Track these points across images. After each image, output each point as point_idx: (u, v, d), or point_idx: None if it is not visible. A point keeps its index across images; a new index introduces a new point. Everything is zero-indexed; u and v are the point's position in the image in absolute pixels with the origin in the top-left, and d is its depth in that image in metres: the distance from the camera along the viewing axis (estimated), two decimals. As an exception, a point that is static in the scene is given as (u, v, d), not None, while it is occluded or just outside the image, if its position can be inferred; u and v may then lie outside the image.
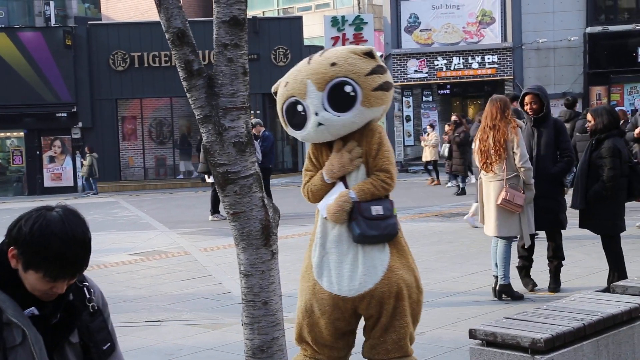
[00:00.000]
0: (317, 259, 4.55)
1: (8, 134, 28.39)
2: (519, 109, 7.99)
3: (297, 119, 4.55)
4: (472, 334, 4.26)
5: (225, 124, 3.38)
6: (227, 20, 3.35)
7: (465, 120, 20.00)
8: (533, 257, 7.47)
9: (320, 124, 4.45)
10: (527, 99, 7.37)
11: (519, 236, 7.28)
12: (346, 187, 4.56)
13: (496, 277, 7.14)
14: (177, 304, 7.59)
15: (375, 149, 4.53)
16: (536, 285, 7.37)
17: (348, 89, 4.43)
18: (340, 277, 4.45)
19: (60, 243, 2.38)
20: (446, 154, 18.48)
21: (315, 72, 4.46)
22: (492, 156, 6.90)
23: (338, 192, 4.55)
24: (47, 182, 27.21)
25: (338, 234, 4.52)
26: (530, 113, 7.34)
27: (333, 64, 4.46)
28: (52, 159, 27.36)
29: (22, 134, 27.58)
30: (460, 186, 17.51)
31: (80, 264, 2.46)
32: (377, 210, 4.48)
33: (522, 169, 6.87)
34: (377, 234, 4.44)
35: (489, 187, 7.04)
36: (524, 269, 7.44)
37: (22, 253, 2.40)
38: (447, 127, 18.87)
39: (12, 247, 2.42)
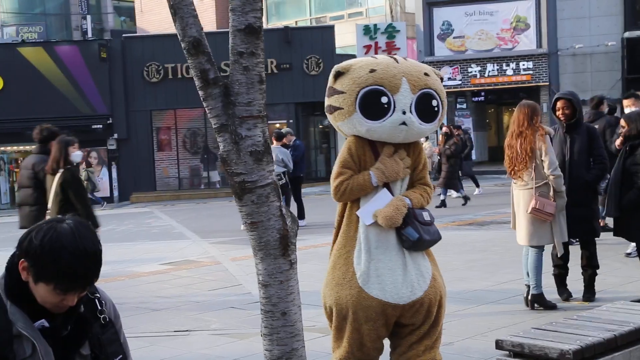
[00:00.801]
0: (363, 266, 4.48)
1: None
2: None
3: (376, 109, 4.43)
4: (499, 345, 4.20)
5: (242, 133, 3.34)
6: (243, 29, 3.32)
7: (461, 131, 19.67)
8: (568, 265, 7.33)
9: (404, 123, 4.42)
10: (558, 104, 7.25)
11: (552, 244, 7.15)
12: (392, 193, 4.54)
13: (528, 286, 7.02)
14: (206, 313, 7.59)
15: (422, 163, 4.63)
16: (571, 295, 7.22)
17: (434, 103, 4.48)
18: (393, 284, 4.42)
19: (71, 256, 2.37)
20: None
21: (410, 74, 4.45)
22: (519, 164, 6.80)
23: (383, 198, 4.51)
24: (84, 193, 27.48)
25: (384, 241, 4.48)
26: (562, 119, 7.22)
27: (426, 74, 4.50)
28: (88, 171, 27.66)
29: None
30: (442, 198, 17.07)
31: (91, 277, 2.45)
32: (427, 216, 4.54)
33: (552, 177, 6.73)
34: (430, 239, 4.48)
35: (519, 195, 6.93)
36: (560, 278, 7.30)
37: (33, 265, 2.40)
38: (440, 138, 18.61)
39: (22, 260, 2.42)
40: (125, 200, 26.84)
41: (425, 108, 4.43)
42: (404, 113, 4.39)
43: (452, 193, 18.27)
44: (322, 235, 12.43)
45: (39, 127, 8.91)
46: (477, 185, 19.66)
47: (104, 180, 27.64)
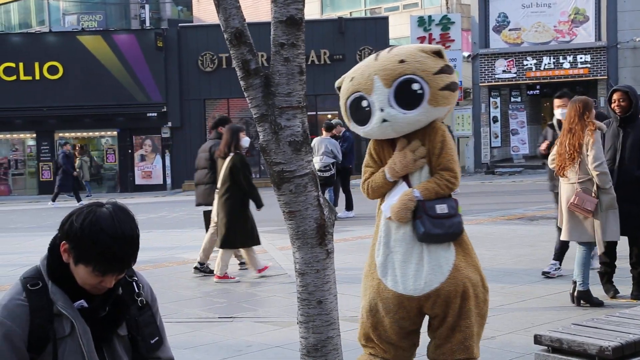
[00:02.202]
0: (381, 258, 4.53)
1: (102, 133, 29.41)
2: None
3: (361, 114, 4.53)
4: (538, 340, 4.19)
5: (281, 123, 3.40)
6: (284, 20, 3.37)
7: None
8: (616, 263, 7.21)
9: (385, 120, 4.42)
10: (615, 96, 7.09)
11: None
12: (409, 186, 4.53)
13: (575, 282, 6.94)
14: (250, 301, 7.69)
15: (439, 148, 4.48)
16: (618, 292, 7.11)
17: (416, 86, 4.39)
18: (405, 276, 4.42)
19: (109, 239, 2.45)
20: None
21: (383, 68, 4.43)
22: (566, 160, 6.71)
23: (400, 191, 4.53)
24: (138, 180, 28.04)
25: (402, 233, 4.49)
26: (618, 111, 7.06)
27: (402, 61, 4.42)
28: (143, 158, 28.18)
29: (115, 133, 28.55)
30: None
31: (128, 260, 2.53)
32: (441, 208, 4.44)
33: (596, 172, 6.61)
34: (442, 233, 4.40)
35: (564, 190, 6.86)
36: (606, 275, 7.20)
37: (73, 248, 2.48)
38: None
39: (64, 242, 2.51)
40: (178, 188, 27.21)
41: (406, 96, 4.37)
42: (382, 110, 4.40)
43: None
44: (369, 226, 12.37)
45: (213, 114, 10.16)
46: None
47: (157, 168, 28.08)
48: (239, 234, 8.73)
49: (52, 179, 27.59)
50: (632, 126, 7.06)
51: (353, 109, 4.58)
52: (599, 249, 6.86)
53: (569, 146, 6.70)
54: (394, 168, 4.48)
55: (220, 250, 8.82)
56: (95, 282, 2.50)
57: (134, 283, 2.69)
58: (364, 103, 4.49)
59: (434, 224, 4.38)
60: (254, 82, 3.41)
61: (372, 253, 4.63)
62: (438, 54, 4.51)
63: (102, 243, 2.44)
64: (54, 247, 2.55)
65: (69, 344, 2.48)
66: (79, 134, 29.51)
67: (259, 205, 9.04)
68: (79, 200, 21.92)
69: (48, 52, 27.60)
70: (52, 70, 27.49)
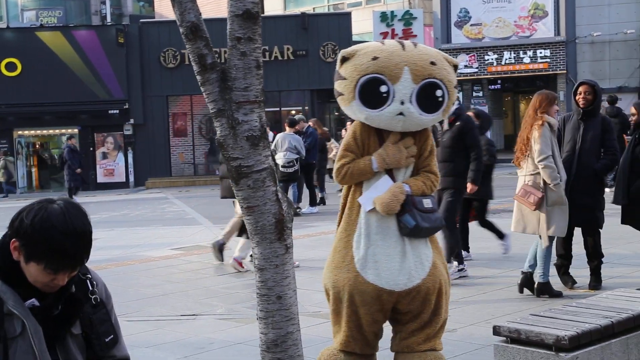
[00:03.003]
0: (362, 252, 4.51)
1: (63, 131, 29.00)
2: None
3: (375, 97, 4.40)
4: (497, 331, 4.22)
5: (239, 118, 3.36)
6: (241, 14, 3.33)
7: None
8: (572, 254, 7.31)
9: (401, 113, 4.39)
10: (581, 88, 7.14)
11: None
12: (394, 180, 4.54)
13: (523, 273, 7.04)
14: (213, 298, 7.65)
15: (429, 151, 4.57)
16: (575, 283, 7.21)
17: (439, 93, 4.39)
18: (389, 270, 4.42)
19: (61, 235, 2.41)
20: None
21: (414, 63, 4.37)
22: (518, 152, 6.83)
23: (384, 184, 4.52)
24: (100, 178, 27.75)
25: (384, 227, 4.49)
26: (582, 103, 7.12)
27: (433, 63, 4.40)
28: (105, 155, 27.89)
29: (76, 130, 28.16)
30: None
31: (81, 257, 2.49)
32: (427, 203, 4.50)
33: (540, 166, 6.66)
34: (430, 226, 4.45)
35: (518, 182, 6.96)
36: (562, 267, 7.29)
37: (24, 245, 2.44)
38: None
39: (14, 239, 2.46)
40: (141, 186, 26.99)
41: (427, 98, 4.36)
42: (402, 103, 4.35)
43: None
44: (333, 222, 12.42)
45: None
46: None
47: (120, 165, 27.81)
48: None
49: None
50: (593, 120, 7.14)
51: (366, 89, 4.41)
52: (543, 242, 6.88)
53: (520, 138, 6.80)
54: (385, 160, 4.46)
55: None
56: (47, 280, 2.46)
57: (88, 281, 2.64)
58: (383, 88, 4.38)
59: (423, 217, 4.43)
60: (211, 77, 3.37)
61: (346, 245, 4.58)
62: (455, 68, 4.57)
63: (53, 240, 2.40)
64: (3, 245, 2.50)
65: (20, 344, 2.44)
66: (38, 132, 29.12)
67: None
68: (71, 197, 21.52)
69: (6, 49, 27.14)
70: (10, 67, 27.04)
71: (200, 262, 9.80)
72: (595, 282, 7.18)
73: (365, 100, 4.42)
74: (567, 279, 7.22)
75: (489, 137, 8.36)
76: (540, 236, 6.90)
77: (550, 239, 6.86)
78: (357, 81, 4.42)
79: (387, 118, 4.42)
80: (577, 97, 7.15)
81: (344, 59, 4.56)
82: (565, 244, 7.19)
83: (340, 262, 4.57)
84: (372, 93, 4.40)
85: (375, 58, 4.42)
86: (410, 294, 4.41)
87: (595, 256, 7.21)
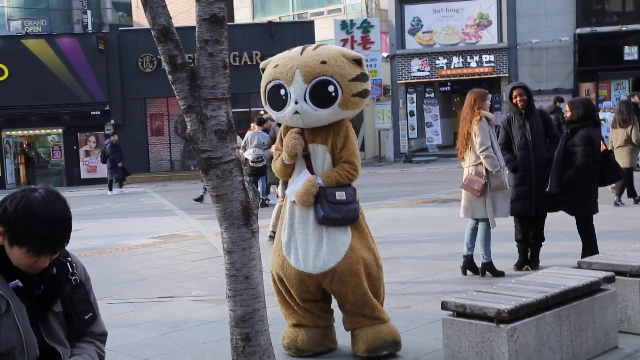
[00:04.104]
0: (285, 239, 4.59)
1: (48, 131, 28.59)
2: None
3: (277, 100, 4.55)
4: (444, 306, 4.25)
5: (207, 114, 3.37)
6: (208, 18, 3.33)
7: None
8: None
9: (297, 112, 4.46)
10: (515, 92, 7.24)
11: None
12: (312, 173, 4.59)
13: (464, 256, 7.10)
14: (188, 282, 7.61)
15: (342, 143, 4.56)
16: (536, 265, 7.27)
17: (331, 88, 4.43)
18: (306, 255, 4.49)
19: (42, 221, 2.39)
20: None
21: (305, 65, 4.44)
22: (461, 146, 6.90)
23: (303, 178, 4.57)
24: (84, 174, 27.41)
25: (305, 217, 4.55)
26: (521, 105, 7.20)
27: (323, 62, 4.44)
28: (87, 153, 27.53)
29: (60, 130, 27.79)
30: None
31: (61, 240, 2.47)
32: (340, 195, 4.52)
33: (482, 156, 6.75)
34: (339, 217, 4.49)
35: (464, 173, 7.04)
36: (526, 252, 7.31)
37: (8, 230, 2.41)
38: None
39: (-2, 225, 2.43)
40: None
41: (320, 95, 4.40)
42: (296, 103, 4.44)
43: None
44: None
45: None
46: None
47: (101, 163, 27.45)
48: None
49: (0, 175, 26.75)
50: (534, 117, 7.25)
51: (271, 95, 4.58)
52: (491, 225, 6.98)
53: (460, 135, 6.88)
54: (285, 150, 4.59)
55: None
56: (30, 262, 2.43)
57: (68, 263, 2.62)
58: (282, 91, 4.50)
59: (332, 208, 4.46)
60: (181, 76, 3.37)
61: (279, 233, 4.69)
62: (358, 62, 4.54)
63: (35, 225, 2.38)
64: None
65: (5, 322, 2.41)
66: (25, 132, 28.63)
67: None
68: (111, 189, 21.12)
69: (-7, 56, 26.64)
70: (-2, 72, 26.56)
71: (176, 249, 9.74)
72: (534, 263, 7.28)
73: (271, 104, 4.61)
74: (535, 264, 7.22)
75: None
76: (477, 221, 6.97)
77: (493, 221, 6.93)
78: (265, 88, 4.61)
79: (288, 117, 4.54)
80: (514, 101, 7.24)
81: (263, 71, 4.70)
82: (524, 229, 7.25)
83: (275, 247, 4.67)
84: (275, 97, 4.56)
85: (276, 66, 4.56)
86: (327, 276, 4.46)
87: (537, 239, 7.30)
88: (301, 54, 4.56)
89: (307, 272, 4.45)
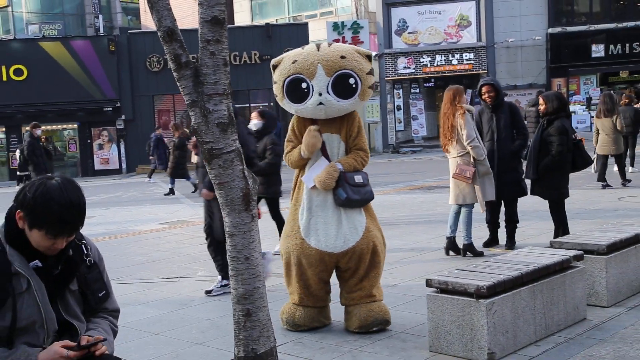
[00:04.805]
0: (304, 221, 4.57)
1: (64, 126, 28.46)
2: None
3: (299, 93, 4.51)
4: (428, 283, 4.27)
5: (210, 108, 3.35)
6: (209, 20, 3.32)
7: (183, 125, 17.01)
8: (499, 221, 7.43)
9: (321, 103, 4.45)
10: (484, 89, 7.26)
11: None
12: (329, 160, 4.58)
13: (447, 238, 7.12)
14: (194, 263, 7.61)
15: (356, 132, 4.60)
16: (497, 244, 7.33)
17: (352, 81, 4.46)
18: (327, 236, 4.49)
19: (59, 206, 2.39)
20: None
21: (326, 60, 4.44)
22: (445, 139, 6.89)
23: (321, 165, 4.56)
24: (97, 166, 27.33)
25: (323, 200, 4.54)
26: (489, 101, 7.23)
27: (343, 57, 4.47)
28: (100, 147, 27.44)
29: (75, 125, 27.67)
30: (170, 187, 15.78)
31: (76, 223, 2.47)
32: (358, 179, 4.56)
33: (470, 147, 6.77)
34: (360, 198, 4.51)
35: (450, 163, 7.02)
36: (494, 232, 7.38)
37: (27, 215, 2.41)
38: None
39: (19, 210, 2.44)
40: (132, 172, 26.64)
41: (342, 86, 4.43)
42: (320, 95, 4.43)
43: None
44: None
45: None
46: None
47: (114, 155, 27.42)
48: None
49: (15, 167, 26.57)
50: (502, 110, 7.26)
51: (291, 88, 4.51)
52: (481, 209, 7.02)
53: (445, 127, 6.86)
54: (304, 147, 4.55)
55: None
56: (48, 244, 2.44)
57: (83, 246, 2.63)
58: (304, 85, 4.46)
59: (354, 191, 4.49)
60: (185, 73, 3.35)
61: (294, 217, 4.65)
62: (369, 58, 4.59)
63: (52, 210, 2.38)
64: (10, 216, 2.47)
65: (26, 299, 2.42)
66: (43, 127, 28.44)
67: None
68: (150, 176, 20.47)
69: (13, 57, 26.47)
70: (18, 72, 26.40)
71: (183, 234, 9.74)
72: (510, 243, 7.31)
73: (291, 97, 4.55)
74: (511, 244, 7.27)
75: (274, 137, 7.79)
76: (460, 206, 6.99)
77: (483, 204, 6.96)
78: (284, 82, 4.54)
79: (311, 109, 4.50)
80: (483, 97, 7.25)
81: (274, 67, 4.66)
82: (492, 212, 7.30)
83: (290, 231, 4.65)
84: (295, 90, 4.51)
85: (294, 62, 4.54)
86: (347, 254, 4.48)
87: (511, 221, 7.33)
88: (318, 50, 4.53)
89: (328, 252, 4.48)
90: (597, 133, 11.96)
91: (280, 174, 7.86)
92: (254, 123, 7.85)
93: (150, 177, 20.93)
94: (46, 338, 2.44)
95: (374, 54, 28.18)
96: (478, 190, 6.85)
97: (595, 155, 11.98)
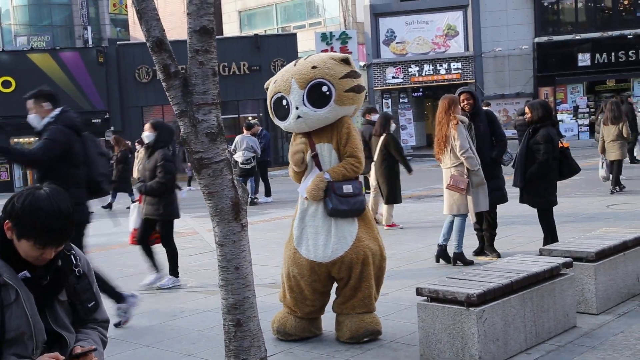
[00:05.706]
0: (297, 231, 4.58)
1: (53, 138, 28.31)
2: None
3: (282, 111, 4.58)
4: (419, 292, 4.26)
5: (199, 118, 3.35)
6: (198, 30, 3.32)
7: (123, 141, 16.88)
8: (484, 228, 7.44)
9: (299, 116, 4.48)
10: (462, 97, 7.25)
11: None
12: (320, 169, 4.59)
13: (439, 245, 7.12)
14: (184, 275, 7.56)
15: (345, 138, 4.56)
16: (492, 253, 7.33)
17: (324, 88, 4.45)
18: (316, 246, 4.48)
19: (47, 216, 2.37)
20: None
21: (299, 73, 4.48)
22: (439, 149, 6.89)
23: (314, 174, 4.58)
24: (87, 177, 27.17)
25: (315, 210, 4.55)
26: (467, 109, 7.24)
27: (314, 67, 4.48)
28: (89, 158, 27.30)
29: (64, 137, 27.50)
30: (109, 201, 15.71)
31: (65, 234, 2.45)
32: (347, 188, 4.52)
33: (463, 158, 6.78)
34: (347, 209, 4.48)
35: (444, 174, 7.03)
36: (486, 240, 7.38)
37: (15, 225, 2.39)
38: (137, 144, 16.22)
39: (7, 221, 2.41)
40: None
41: (316, 96, 4.45)
42: (297, 108, 4.48)
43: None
44: (285, 209, 12.44)
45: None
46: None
47: (103, 166, 27.31)
48: (398, 192, 9.61)
49: (9, 179, 26.44)
50: (480, 119, 7.28)
51: (275, 107, 4.63)
52: (472, 219, 7.03)
53: (437, 138, 6.87)
54: (291, 162, 4.69)
55: (386, 205, 9.57)
56: (37, 254, 2.41)
57: (72, 256, 2.61)
58: (284, 102, 4.54)
59: (340, 201, 4.47)
60: (174, 83, 3.35)
61: (291, 228, 4.69)
62: (345, 61, 4.58)
63: (40, 220, 2.36)
64: None
65: (15, 310, 2.39)
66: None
67: (409, 170, 9.90)
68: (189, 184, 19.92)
69: (2, 69, 26.40)
70: (6, 84, 26.30)
71: (173, 245, 9.66)
72: (490, 248, 7.32)
73: (278, 116, 4.65)
74: (493, 250, 7.30)
75: (166, 151, 6.95)
76: (454, 216, 7.00)
77: (474, 215, 6.97)
78: (270, 102, 4.67)
79: (294, 123, 4.56)
80: (461, 105, 7.24)
81: (267, 89, 4.78)
82: (479, 219, 7.31)
83: (287, 241, 4.67)
84: (279, 108, 4.62)
85: (275, 81, 4.65)
86: (336, 264, 4.47)
87: (492, 227, 7.36)
88: (294, 65, 4.62)
89: (317, 261, 4.47)
90: (603, 140, 12.18)
91: (174, 192, 7.14)
92: (146, 135, 7.07)
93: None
94: (35, 349, 2.41)
95: (362, 63, 28.32)
96: (470, 201, 6.85)
97: (602, 162, 12.37)
